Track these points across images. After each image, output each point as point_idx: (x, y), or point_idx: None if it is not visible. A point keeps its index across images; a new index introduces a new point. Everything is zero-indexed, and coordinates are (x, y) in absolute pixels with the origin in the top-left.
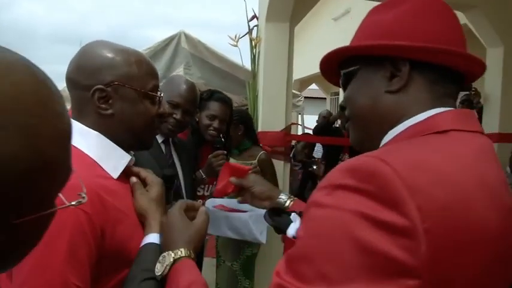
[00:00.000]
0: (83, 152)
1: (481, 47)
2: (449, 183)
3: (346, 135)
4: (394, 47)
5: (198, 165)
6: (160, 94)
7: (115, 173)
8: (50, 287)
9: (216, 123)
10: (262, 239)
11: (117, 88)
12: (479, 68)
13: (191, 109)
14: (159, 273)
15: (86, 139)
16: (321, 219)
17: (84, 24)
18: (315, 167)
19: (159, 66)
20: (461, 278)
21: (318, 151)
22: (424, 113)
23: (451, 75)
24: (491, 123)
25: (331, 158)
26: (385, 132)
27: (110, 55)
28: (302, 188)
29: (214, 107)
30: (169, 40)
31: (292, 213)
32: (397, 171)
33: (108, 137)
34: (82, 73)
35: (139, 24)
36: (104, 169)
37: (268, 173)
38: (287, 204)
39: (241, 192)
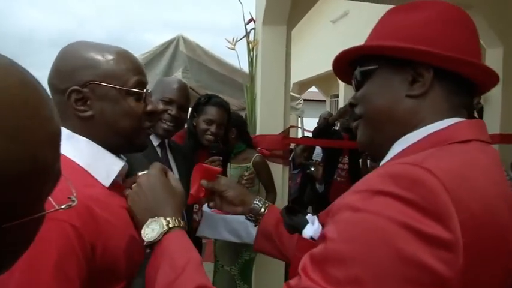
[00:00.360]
0: (70, 159)
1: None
2: (481, 196)
3: (345, 138)
4: (425, 52)
5: None
6: (146, 90)
7: (107, 181)
8: None
9: (213, 128)
10: None
11: (94, 88)
12: (494, 79)
13: (185, 104)
14: (151, 240)
15: (73, 145)
16: (358, 224)
17: (83, 28)
18: (312, 169)
19: (158, 70)
20: None
21: (318, 154)
22: (441, 122)
23: (467, 85)
24: (492, 124)
25: (330, 161)
26: (398, 137)
27: (85, 55)
28: (301, 191)
29: (211, 111)
30: (168, 44)
31: (309, 214)
32: (443, 182)
33: (95, 142)
34: (59, 76)
35: (138, 28)
36: (94, 177)
37: (263, 175)
38: (262, 210)
39: (211, 196)
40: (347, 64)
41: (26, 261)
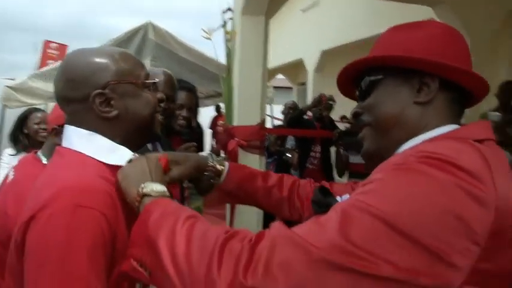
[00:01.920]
0: (87, 155)
1: None
2: (508, 180)
3: (317, 127)
4: (433, 63)
5: None
6: (155, 79)
7: None
8: None
9: (184, 112)
10: None
11: (114, 87)
12: (487, 90)
13: (172, 95)
14: (157, 191)
15: (89, 143)
16: (408, 170)
17: (40, 11)
18: (289, 155)
19: None
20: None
21: (290, 141)
22: (445, 127)
23: (464, 96)
24: None
25: (303, 149)
26: (404, 141)
27: (93, 60)
28: None
29: (181, 96)
30: (136, 31)
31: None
32: (487, 160)
33: (115, 138)
34: (73, 86)
35: (100, 12)
36: (114, 172)
37: None
38: (220, 168)
39: None
40: (352, 77)
41: (60, 250)
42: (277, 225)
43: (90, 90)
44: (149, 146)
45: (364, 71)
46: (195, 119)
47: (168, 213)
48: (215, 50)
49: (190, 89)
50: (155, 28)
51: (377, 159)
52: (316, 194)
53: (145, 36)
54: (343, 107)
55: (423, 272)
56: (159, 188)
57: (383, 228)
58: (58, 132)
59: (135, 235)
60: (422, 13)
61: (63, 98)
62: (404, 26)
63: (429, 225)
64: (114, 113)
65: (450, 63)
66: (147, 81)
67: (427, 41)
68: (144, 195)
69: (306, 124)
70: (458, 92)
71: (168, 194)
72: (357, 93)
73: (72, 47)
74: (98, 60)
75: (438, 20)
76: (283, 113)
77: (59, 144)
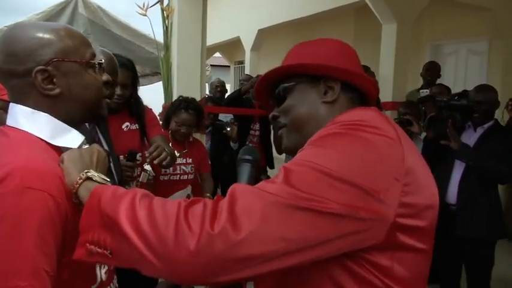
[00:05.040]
0: (33, 135)
1: (377, 23)
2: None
3: (256, 106)
4: (335, 68)
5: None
6: (101, 60)
7: None
8: (20, 275)
9: (118, 90)
10: None
11: (58, 65)
12: (375, 91)
13: (114, 79)
14: (101, 180)
15: (34, 121)
16: (338, 133)
17: None
18: (228, 129)
19: None
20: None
21: (228, 117)
22: None
23: (362, 98)
24: (386, 93)
25: (242, 127)
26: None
27: (38, 34)
28: (216, 152)
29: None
30: (65, 4)
31: None
32: (389, 120)
33: (57, 117)
34: (15, 60)
35: None
36: (58, 149)
37: None
38: None
39: None
40: (267, 87)
41: (7, 230)
42: (234, 185)
43: (32, 66)
44: (87, 125)
45: (278, 80)
46: (134, 94)
47: (120, 194)
48: (152, 28)
49: (124, 64)
50: (85, 2)
51: (296, 153)
52: None
53: (75, 11)
54: None
55: (361, 207)
56: (102, 176)
57: (320, 176)
58: None
59: (85, 221)
60: None
61: (4, 72)
62: (309, 43)
63: (357, 170)
64: (57, 91)
65: (346, 67)
66: (92, 61)
67: (328, 53)
68: (87, 178)
69: (245, 103)
70: (357, 93)
71: (110, 183)
72: (272, 100)
73: None
74: (42, 35)
75: (368, 2)
76: (210, 92)
77: None
